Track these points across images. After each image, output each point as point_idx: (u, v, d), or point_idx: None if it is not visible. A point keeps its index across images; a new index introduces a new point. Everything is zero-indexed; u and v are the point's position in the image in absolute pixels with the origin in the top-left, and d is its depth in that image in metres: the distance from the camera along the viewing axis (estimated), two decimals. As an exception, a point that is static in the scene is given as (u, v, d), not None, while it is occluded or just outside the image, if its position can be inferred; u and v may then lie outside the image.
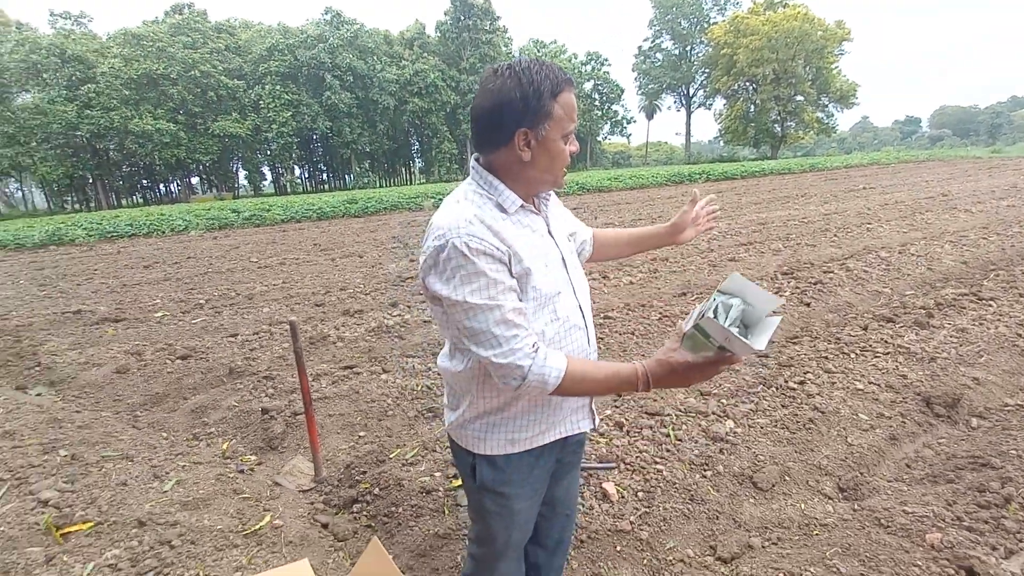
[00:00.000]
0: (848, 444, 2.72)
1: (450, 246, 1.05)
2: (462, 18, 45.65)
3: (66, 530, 2.12)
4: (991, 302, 4.70)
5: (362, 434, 3.01)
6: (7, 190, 46.00)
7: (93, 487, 2.40)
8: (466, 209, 1.10)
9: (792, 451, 2.65)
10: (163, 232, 14.53)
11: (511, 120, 1.07)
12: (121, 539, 2.06)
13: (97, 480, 2.46)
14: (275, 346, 4.35)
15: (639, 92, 59.72)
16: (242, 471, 2.69)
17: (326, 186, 48.73)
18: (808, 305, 5.02)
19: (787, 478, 2.47)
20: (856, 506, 2.29)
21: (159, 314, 5.57)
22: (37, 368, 4.24)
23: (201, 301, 6.10)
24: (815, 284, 5.60)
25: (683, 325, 1.10)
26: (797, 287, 5.55)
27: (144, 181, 44.98)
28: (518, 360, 1.06)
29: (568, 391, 1.10)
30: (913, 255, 6.71)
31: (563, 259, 1.23)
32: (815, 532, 2.12)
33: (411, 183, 46.36)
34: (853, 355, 3.76)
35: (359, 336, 4.49)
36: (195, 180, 46.76)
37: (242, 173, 46.72)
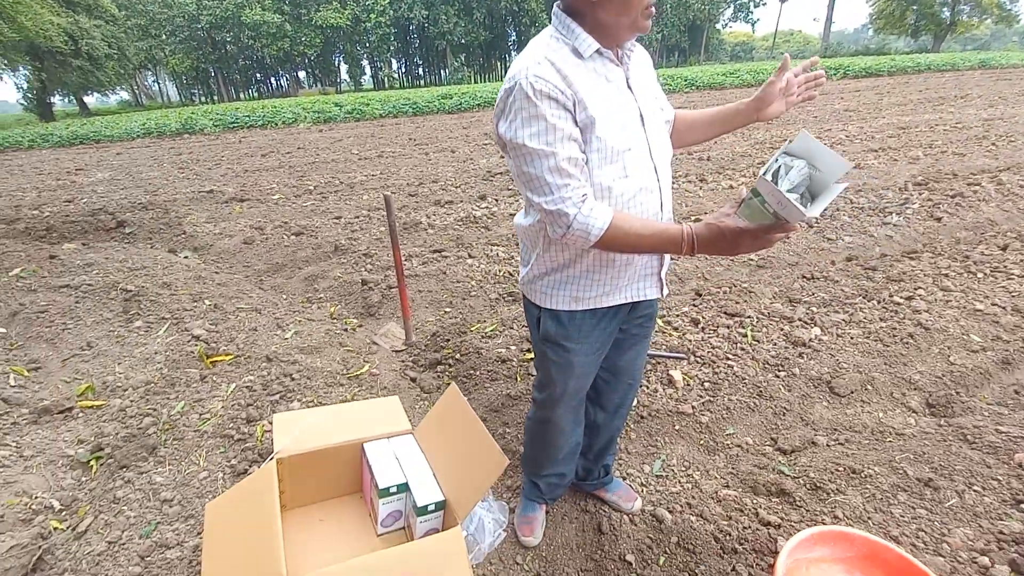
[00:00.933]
0: (949, 363, 2.52)
1: (517, 87, 1.06)
2: None
3: (213, 359, 2.62)
4: None
5: (447, 310, 3.27)
6: (145, 83, 50.72)
7: (231, 330, 2.89)
8: (538, 51, 1.09)
9: (881, 363, 2.52)
10: (276, 124, 15.51)
11: None
12: (254, 369, 2.51)
13: (234, 325, 2.95)
14: (373, 229, 4.70)
15: (774, -33, 50.51)
16: (346, 330, 3.08)
17: (422, 81, 48.44)
18: (939, 220, 4.42)
19: (869, 387, 2.38)
20: (942, 422, 2.18)
21: (276, 197, 6.18)
22: (183, 236, 4.97)
23: (310, 187, 6.63)
24: (953, 197, 4.87)
25: (743, 191, 1.05)
26: (930, 199, 4.87)
27: (257, 75, 47.43)
28: (565, 208, 1.08)
29: (611, 245, 1.11)
30: (1096, 170, 5.53)
31: (640, 115, 1.18)
32: (888, 439, 2.07)
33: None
34: (981, 275, 3.34)
35: (448, 225, 4.70)
36: (302, 74, 48.42)
37: (343, 68, 47.53)
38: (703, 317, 2.92)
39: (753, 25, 55.87)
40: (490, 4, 41.95)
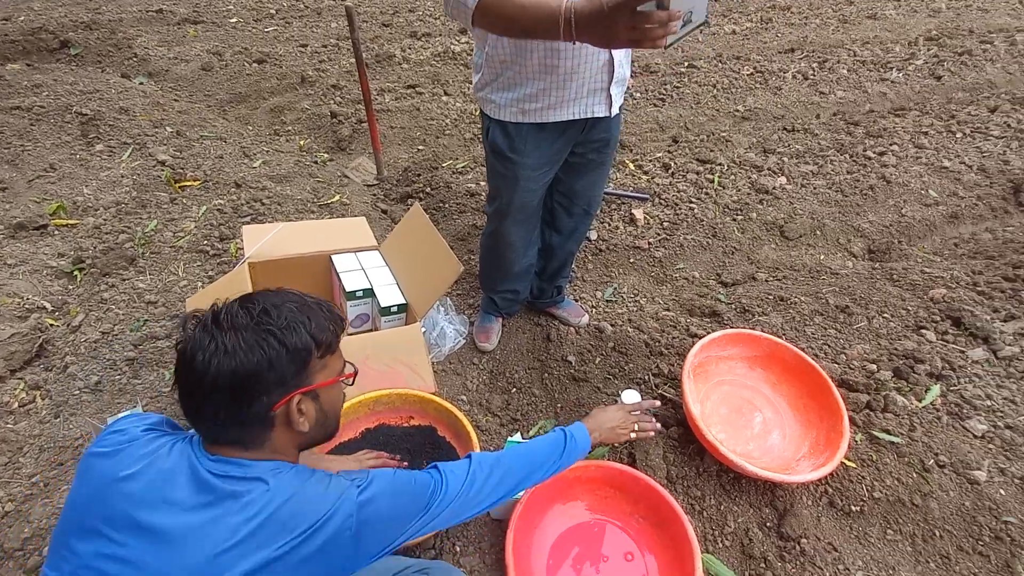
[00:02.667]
0: (900, 214, 2.64)
1: None
2: None
3: (181, 183, 2.61)
4: None
5: (420, 147, 3.21)
6: None
7: (197, 156, 2.83)
8: None
9: (836, 211, 2.62)
10: (229, -66, 13.32)
11: None
12: (224, 194, 2.52)
13: (199, 152, 2.88)
14: (342, 60, 4.37)
15: None
16: (316, 163, 3.04)
17: None
18: (939, 79, 4.24)
19: (818, 233, 2.51)
20: (876, 265, 2.35)
21: (233, 20, 5.57)
22: (135, 60, 4.56)
23: (272, 11, 5.95)
24: (960, 55, 4.62)
25: None
26: (936, 56, 4.61)
27: None
28: None
29: (490, 11, 1.06)
30: (1120, 31, 5.20)
31: None
32: (823, 277, 2.25)
33: None
34: (960, 135, 3.33)
35: (424, 59, 4.38)
36: None
37: None
38: (675, 163, 2.93)
39: None
40: None
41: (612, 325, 1.94)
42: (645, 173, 2.84)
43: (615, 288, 2.19)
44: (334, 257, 1.79)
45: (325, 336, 0.81)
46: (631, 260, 2.32)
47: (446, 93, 3.81)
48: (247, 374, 0.72)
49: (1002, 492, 1.40)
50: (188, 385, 0.75)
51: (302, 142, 3.32)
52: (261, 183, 2.61)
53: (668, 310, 2.06)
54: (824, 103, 3.88)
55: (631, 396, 1.39)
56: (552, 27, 0.97)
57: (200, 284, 2.03)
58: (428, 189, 2.74)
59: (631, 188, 2.66)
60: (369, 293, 1.71)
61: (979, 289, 2.07)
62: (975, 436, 1.54)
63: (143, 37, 5.13)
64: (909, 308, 1.98)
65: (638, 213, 2.48)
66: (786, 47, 4.85)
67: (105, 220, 2.38)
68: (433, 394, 1.53)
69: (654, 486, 1.33)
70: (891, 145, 3.14)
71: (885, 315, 1.96)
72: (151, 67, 4.36)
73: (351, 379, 0.91)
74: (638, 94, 3.92)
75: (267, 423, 0.77)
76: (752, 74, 4.23)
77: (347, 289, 1.67)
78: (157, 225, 2.31)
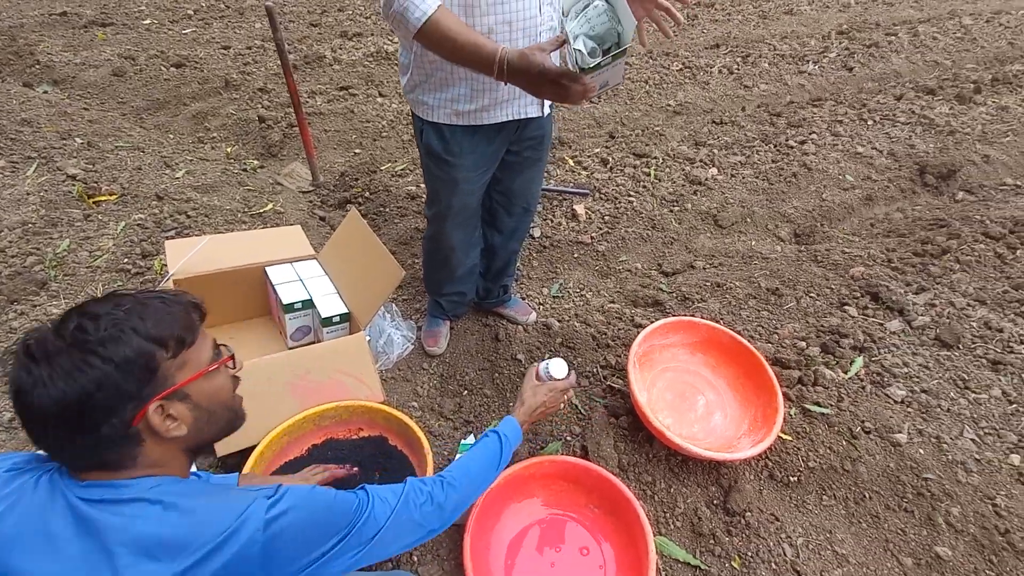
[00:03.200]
0: (821, 199, 2.81)
1: None
2: None
3: (96, 198, 2.42)
4: (1054, 82, 4.22)
5: (357, 151, 3.13)
6: None
7: (112, 169, 2.64)
8: None
9: (764, 199, 2.76)
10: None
11: None
12: (144, 207, 2.36)
13: (114, 164, 2.69)
14: (268, 62, 4.19)
15: None
16: (245, 170, 2.90)
17: None
18: (851, 70, 4.55)
19: (748, 220, 2.63)
20: (802, 248, 2.49)
21: (146, 21, 5.22)
22: (37, 67, 4.20)
23: (189, 11, 5.62)
24: (869, 47, 4.97)
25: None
26: (847, 49, 4.94)
27: None
28: None
29: (430, 42, 1.08)
30: (1001, 26, 5.74)
31: None
32: (755, 262, 2.37)
33: None
34: (871, 122, 3.58)
35: (357, 60, 4.26)
36: None
37: None
38: (612, 158, 3.00)
39: None
40: None
41: (559, 321, 1.96)
42: (584, 169, 2.89)
43: (561, 284, 2.22)
44: (268, 269, 1.71)
45: (172, 331, 0.71)
46: (575, 255, 2.35)
47: (381, 94, 3.72)
48: (75, 403, 0.64)
49: (921, 451, 1.51)
50: (24, 421, 0.67)
51: (229, 149, 3.16)
52: (185, 194, 2.46)
53: (613, 302, 2.11)
54: (748, 96, 4.07)
55: (559, 367, 1.32)
56: (485, 69, 1.06)
57: (122, 306, 1.89)
58: (367, 193, 2.67)
59: (572, 184, 2.70)
60: (308, 304, 1.64)
61: (893, 265, 2.24)
62: (895, 402, 1.66)
63: (46, 42, 4.73)
64: (833, 287, 2.11)
65: (580, 208, 2.52)
66: (712, 43, 5.06)
67: (10, 242, 2.17)
68: (381, 403, 1.49)
69: (606, 476, 1.35)
70: (810, 134, 3.34)
71: (812, 295, 2.08)
72: (56, 74, 4.03)
73: (231, 364, 0.82)
74: (575, 91, 3.99)
75: (131, 439, 0.68)
76: (681, 69, 4.39)
77: (284, 302, 1.60)
78: (70, 245, 2.13)
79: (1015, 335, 1.86)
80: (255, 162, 3.02)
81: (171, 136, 3.22)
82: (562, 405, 1.25)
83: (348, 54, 4.37)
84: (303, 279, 1.70)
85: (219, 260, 1.67)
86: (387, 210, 2.54)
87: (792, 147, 3.21)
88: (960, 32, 5.49)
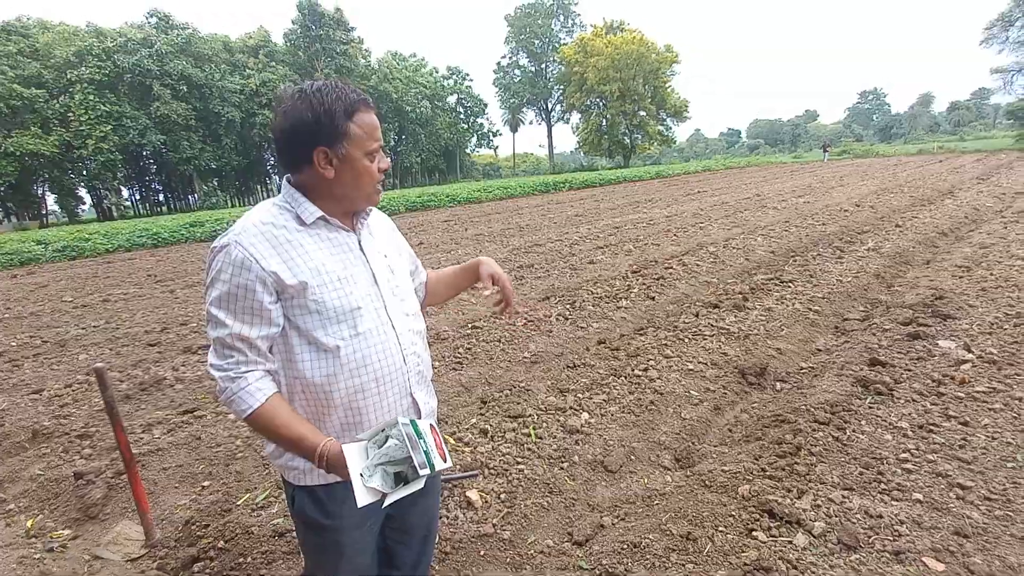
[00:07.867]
0: (682, 419, 3.09)
1: (222, 251, 1.11)
2: (312, 27, 43.31)
3: None
4: (790, 284, 5.66)
5: (206, 484, 2.71)
6: None
7: None
8: (255, 216, 1.15)
9: (637, 432, 2.94)
10: (-63, 274, 11.71)
11: (307, 140, 1.09)
12: None
13: None
14: (94, 398, 3.74)
15: (502, 106, 61.83)
16: (51, 549, 2.27)
17: (164, 208, 42.67)
18: (653, 299, 5.59)
19: (633, 457, 2.73)
20: (688, 472, 2.61)
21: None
22: None
23: (-7, 354, 5.02)
24: (658, 279, 6.27)
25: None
26: (643, 283, 6.16)
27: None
28: (220, 377, 1.13)
29: (259, 429, 1.15)
30: (734, 248, 7.81)
31: (373, 275, 1.23)
32: (655, 502, 2.37)
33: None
34: (687, 339, 4.28)
35: (202, 375, 4.04)
36: (-12, 207, 38.18)
37: (51, 197, 39.21)
38: (491, 425, 3.03)
39: (495, 150, 66.40)
40: (240, 131, 40.71)
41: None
42: (467, 445, 2.84)
43: (475, 595, 1.93)
44: None
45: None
46: (481, 552, 2.12)
47: (234, 408, 3.47)
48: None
49: None
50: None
51: (31, 522, 2.50)
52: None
53: (537, 603, 1.86)
54: (587, 335, 4.68)
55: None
56: (308, 457, 1.12)
57: None
58: (221, 543, 2.22)
59: (458, 468, 2.60)
60: None
61: (768, 474, 2.42)
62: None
63: None
64: (733, 513, 2.16)
65: (473, 494, 2.38)
66: (543, 295, 5.94)
67: None
68: None
69: None
70: (648, 361, 3.84)
71: (720, 528, 2.09)
72: None
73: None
74: (437, 362, 4.18)
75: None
76: (525, 324, 4.97)
77: None
78: None
79: (894, 518, 2.03)
80: (65, 532, 2.41)
81: (-66, 529, 2.47)
82: None
83: (192, 370, 4.14)
84: None
85: None
86: (248, 560, 2.11)
87: (639, 376, 3.62)
88: (711, 258, 7.31)
